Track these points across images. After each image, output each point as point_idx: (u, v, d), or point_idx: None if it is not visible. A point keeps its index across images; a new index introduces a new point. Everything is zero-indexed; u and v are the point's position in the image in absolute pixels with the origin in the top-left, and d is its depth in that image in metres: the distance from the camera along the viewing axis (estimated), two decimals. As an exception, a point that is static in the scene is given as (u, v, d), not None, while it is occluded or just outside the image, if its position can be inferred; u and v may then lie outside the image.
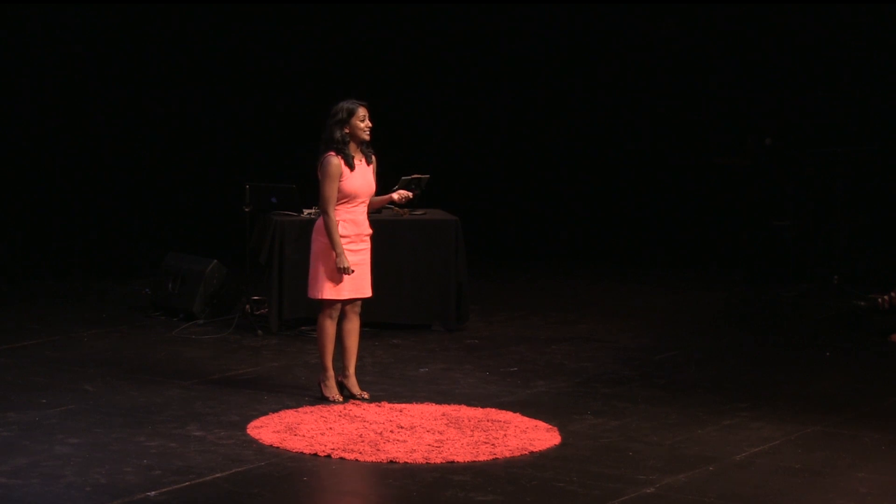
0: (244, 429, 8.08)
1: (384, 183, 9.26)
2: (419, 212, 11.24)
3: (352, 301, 8.74)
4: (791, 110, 14.55)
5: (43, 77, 14.32)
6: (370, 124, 8.64)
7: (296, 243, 10.58)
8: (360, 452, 7.63)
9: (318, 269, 8.61)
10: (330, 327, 8.71)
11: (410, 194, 9.05)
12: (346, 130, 8.59)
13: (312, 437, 7.89)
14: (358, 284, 8.67)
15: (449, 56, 15.70)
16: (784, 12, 14.52)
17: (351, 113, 8.60)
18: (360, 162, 8.64)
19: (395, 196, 8.92)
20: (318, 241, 8.64)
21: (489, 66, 15.71)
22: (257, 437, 7.92)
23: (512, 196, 15.81)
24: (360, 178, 8.61)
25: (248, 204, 11.19)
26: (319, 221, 8.66)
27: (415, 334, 10.90)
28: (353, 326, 8.82)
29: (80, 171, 14.52)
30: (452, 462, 7.52)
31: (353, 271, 8.55)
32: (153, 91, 14.82)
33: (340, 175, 8.53)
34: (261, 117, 15.17)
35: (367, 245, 8.74)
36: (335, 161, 8.55)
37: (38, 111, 14.34)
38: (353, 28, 15.44)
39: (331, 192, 8.54)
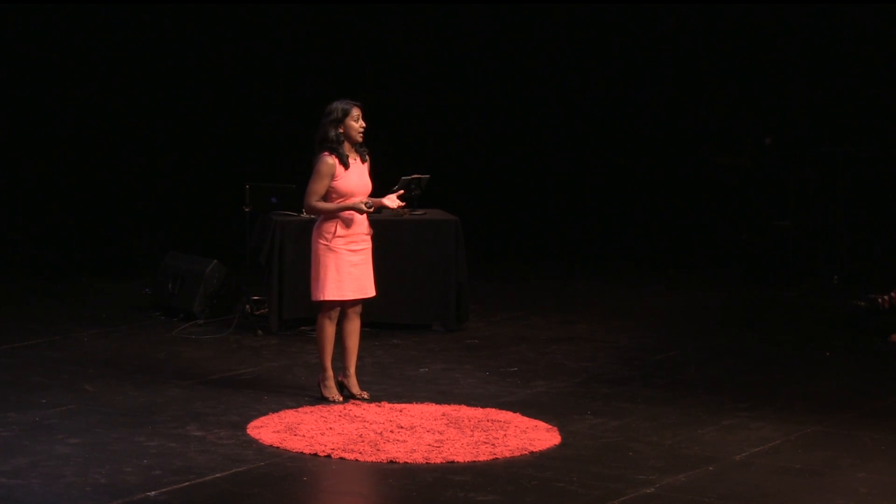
0: (244, 429, 8.08)
1: (385, 183, 9.25)
2: (419, 212, 11.23)
3: (353, 302, 8.75)
4: (791, 110, 14.55)
5: (43, 77, 14.32)
6: (364, 125, 8.64)
7: (296, 243, 10.58)
8: (360, 452, 7.63)
9: (319, 272, 8.60)
10: (329, 328, 8.71)
11: (402, 202, 9.02)
12: (341, 130, 8.58)
13: (312, 437, 7.89)
14: (359, 285, 8.66)
15: (449, 56, 15.70)
16: (784, 12, 14.52)
17: (346, 113, 8.59)
18: (354, 161, 8.63)
19: (386, 201, 8.83)
20: (317, 242, 8.63)
21: (490, 67, 15.71)
22: (257, 437, 7.92)
23: (512, 196, 15.81)
24: (355, 176, 8.61)
25: (248, 204, 11.19)
26: (317, 223, 8.65)
27: (415, 334, 10.89)
28: (353, 327, 8.82)
29: (81, 171, 14.52)
30: (452, 462, 7.52)
31: (371, 206, 8.54)
32: (153, 91, 14.82)
33: (334, 175, 8.53)
34: (261, 117, 15.16)
35: (367, 245, 8.73)
36: (329, 161, 8.54)
37: (38, 111, 14.34)
38: (353, 28, 15.43)
39: (316, 187, 8.53)
